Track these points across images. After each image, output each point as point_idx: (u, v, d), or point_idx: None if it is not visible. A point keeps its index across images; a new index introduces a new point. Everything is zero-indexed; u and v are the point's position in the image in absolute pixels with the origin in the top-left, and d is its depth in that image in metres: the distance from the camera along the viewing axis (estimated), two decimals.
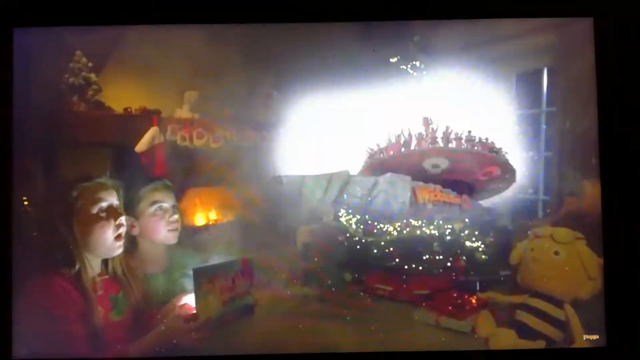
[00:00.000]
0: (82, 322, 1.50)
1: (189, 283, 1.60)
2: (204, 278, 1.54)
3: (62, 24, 1.71)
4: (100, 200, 1.56)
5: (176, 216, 1.75)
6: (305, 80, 1.85)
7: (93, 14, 1.68)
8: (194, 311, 1.54)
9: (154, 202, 1.71)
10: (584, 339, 1.64)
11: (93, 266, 1.56)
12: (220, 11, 1.68)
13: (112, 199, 1.59)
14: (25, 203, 1.67)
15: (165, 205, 1.72)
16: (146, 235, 1.72)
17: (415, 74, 1.80)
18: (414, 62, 1.80)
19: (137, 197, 1.70)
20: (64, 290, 1.48)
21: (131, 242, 1.69)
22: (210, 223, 1.91)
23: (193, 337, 1.53)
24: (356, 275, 1.86)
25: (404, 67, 1.80)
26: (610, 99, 1.66)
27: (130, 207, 1.68)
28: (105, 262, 1.60)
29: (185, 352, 1.56)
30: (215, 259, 1.67)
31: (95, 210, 1.55)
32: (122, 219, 1.60)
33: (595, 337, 1.63)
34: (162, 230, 1.72)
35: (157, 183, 1.74)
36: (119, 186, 1.62)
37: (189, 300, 1.60)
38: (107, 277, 1.60)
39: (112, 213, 1.57)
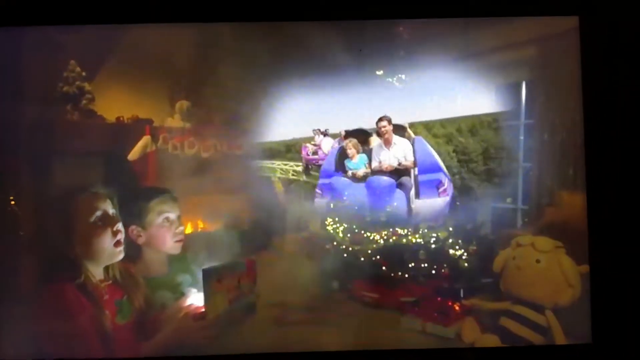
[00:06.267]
0: (94, 328, 1.54)
1: (189, 285, 1.69)
2: (212, 278, 1.60)
3: (46, 23, 1.73)
4: (96, 209, 1.60)
5: (182, 227, 1.79)
6: (292, 87, 1.91)
7: (74, 12, 1.72)
8: (203, 310, 1.59)
9: (162, 214, 1.75)
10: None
11: (95, 274, 1.60)
12: (211, 11, 1.75)
13: (107, 207, 1.62)
14: (12, 203, 1.68)
15: (172, 216, 1.76)
16: (153, 245, 1.75)
17: (400, 85, 1.87)
18: (399, 75, 1.87)
19: (145, 208, 1.73)
20: (76, 299, 1.52)
21: (136, 251, 1.72)
22: (199, 230, 1.93)
23: (203, 335, 1.59)
24: (343, 283, 1.88)
25: (390, 79, 1.88)
26: (595, 103, 1.73)
27: (138, 217, 1.72)
28: (105, 268, 1.63)
29: (194, 351, 1.59)
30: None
31: (92, 219, 1.59)
32: (119, 225, 1.64)
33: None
34: (168, 241, 1.76)
35: (165, 195, 1.78)
36: (113, 194, 1.66)
37: (195, 300, 1.65)
38: (110, 282, 1.63)
39: (108, 221, 1.61)
